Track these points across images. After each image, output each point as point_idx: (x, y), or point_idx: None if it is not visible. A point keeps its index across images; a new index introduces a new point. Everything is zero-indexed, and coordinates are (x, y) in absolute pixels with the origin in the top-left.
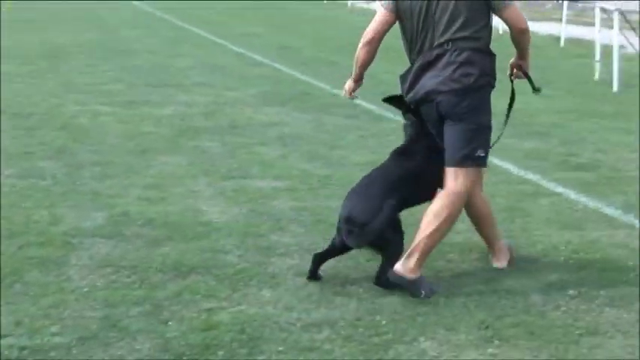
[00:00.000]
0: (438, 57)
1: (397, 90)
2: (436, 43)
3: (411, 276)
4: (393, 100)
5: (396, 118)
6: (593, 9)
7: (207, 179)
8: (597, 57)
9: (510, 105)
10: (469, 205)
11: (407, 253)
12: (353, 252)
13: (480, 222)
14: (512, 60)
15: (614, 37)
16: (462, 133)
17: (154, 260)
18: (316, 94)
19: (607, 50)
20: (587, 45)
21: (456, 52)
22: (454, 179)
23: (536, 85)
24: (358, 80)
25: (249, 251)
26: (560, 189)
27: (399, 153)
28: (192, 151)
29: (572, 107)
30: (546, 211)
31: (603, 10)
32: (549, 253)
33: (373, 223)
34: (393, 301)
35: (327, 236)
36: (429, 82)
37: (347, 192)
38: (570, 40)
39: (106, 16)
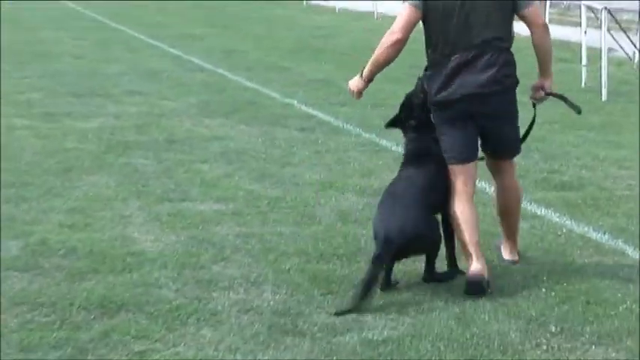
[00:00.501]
0: (476, 57)
1: (364, 100)
2: (474, 43)
3: (487, 275)
4: (394, 123)
5: (356, 130)
6: (578, 7)
7: (140, 202)
8: (584, 61)
9: (529, 130)
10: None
11: (477, 253)
12: (306, 284)
13: (509, 210)
14: (536, 82)
15: (602, 38)
16: (514, 129)
17: (77, 296)
18: (265, 104)
19: (594, 54)
20: (572, 48)
21: (495, 54)
22: (513, 172)
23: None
24: (369, 81)
25: (187, 285)
26: (541, 211)
27: (414, 162)
28: (122, 169)
29: (555, 118)
30: (526, 236)
31: (590, 8)
32: (529, 284)
33: (420, 234)
34: (351, 341)
35: (277, 267)
36: (470, 82)
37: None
38: (554, 43)
39: (24, 14)
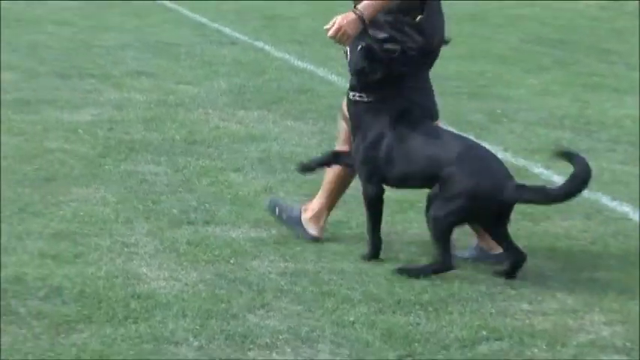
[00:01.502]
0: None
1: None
2: None
3: None
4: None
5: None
6: None
7: (149, 225)
8: None
9: None
10: None
11: None
12: (377, 343)
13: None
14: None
15: None
16: None
17: (64, 354)
18: (321, 91)
19: None
20: None
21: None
22: None
23: None
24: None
25: (213, 341)
26: None
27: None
28: (124, 179)
29: None
30: None
31: None
32: None
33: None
34: None
35: (338, 318)
36: (441, 26)
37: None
38: None
39: None
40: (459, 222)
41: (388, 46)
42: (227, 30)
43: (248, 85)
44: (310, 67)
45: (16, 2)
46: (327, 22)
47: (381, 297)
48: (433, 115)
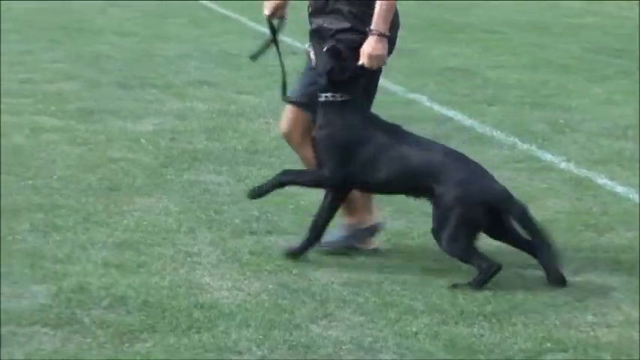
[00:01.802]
0: None
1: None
2: None
3: None
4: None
5: (509, 140)
6: None
7: (211, 235)
8: None
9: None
10: None
11: None
12: (441, 354)
13: None
14: None
15: None
16: None
17: None
18: (383, 101)
19: None
20: None
21: None
22: None
23: None
24: None
25: (276, 350)
26: None
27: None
28: (187, 189)
29: None
30: None
31: None
32: None
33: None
34: None
35: (401, 329)
36: (398, 21)
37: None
38: None
39: None
40: (472, 233)
41: (349, 36)
42: (288, 40)
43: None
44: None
45: (76, 11)
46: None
47: (444, 308)
48: None
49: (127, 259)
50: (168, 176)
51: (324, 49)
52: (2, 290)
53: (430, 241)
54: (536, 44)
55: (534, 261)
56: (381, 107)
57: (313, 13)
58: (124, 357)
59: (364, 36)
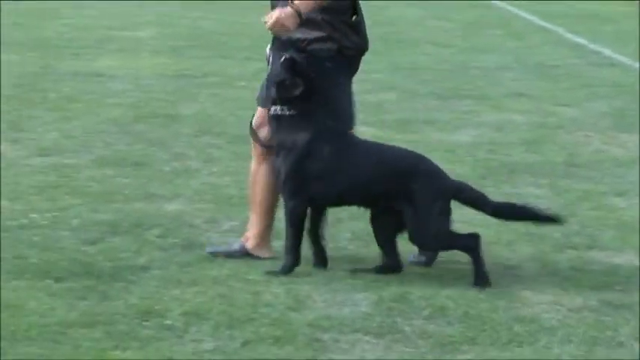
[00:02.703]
0: None
1: None
2: None
3: None
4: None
5: None
6: None
7: (532, 248)
8: None
9: None
10: None
11: None
12: None
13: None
14: None
15: None
16: None
17: None
18: None
19: None
20: None
21: None
22: None
23: None
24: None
25: None
26: None
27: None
28: (506, 200)
29: None
30: None
31: None
32: None
33: None
34: None
35: None
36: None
37: None
38: None
39: None
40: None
41: (325, 45)
42: (607, 51)
43: (629, 108)
44: None
45: (392, 22)
46: None
47: None
48: (353, 122)
49: (445, 270)
50: (487, 188)
51: (282, 60)
52: (324, 297)
53: None
54: None
55: None
56: None
57: None
58: None
59: (339, 45)
